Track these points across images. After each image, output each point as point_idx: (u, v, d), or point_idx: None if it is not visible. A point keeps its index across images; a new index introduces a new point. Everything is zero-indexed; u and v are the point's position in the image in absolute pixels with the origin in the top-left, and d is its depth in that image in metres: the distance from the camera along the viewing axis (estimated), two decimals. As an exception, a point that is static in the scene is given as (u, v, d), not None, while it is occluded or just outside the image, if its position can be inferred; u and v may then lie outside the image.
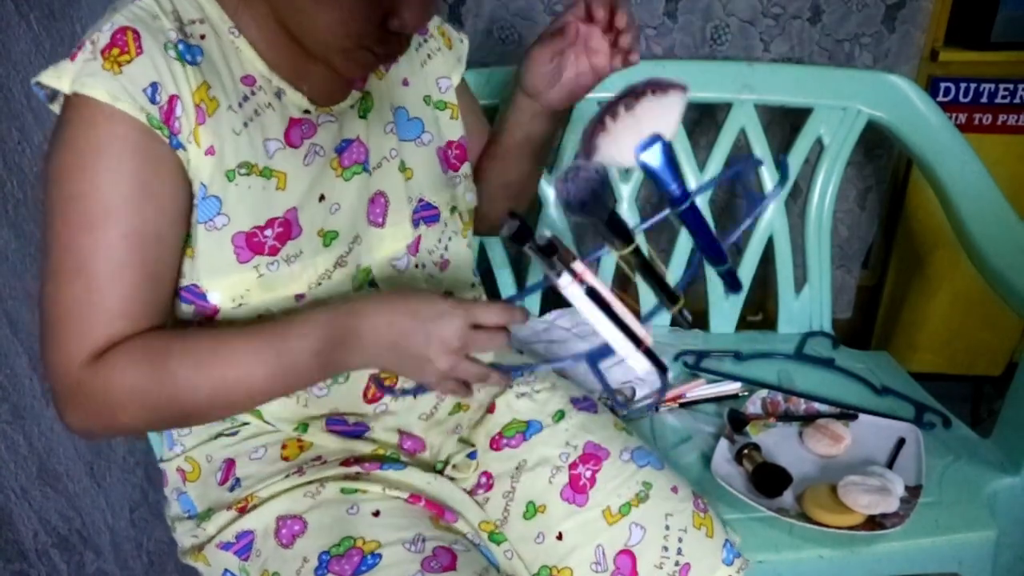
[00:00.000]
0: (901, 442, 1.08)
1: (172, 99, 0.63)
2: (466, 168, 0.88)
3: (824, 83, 1.33)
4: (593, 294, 0.63)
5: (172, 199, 0.65)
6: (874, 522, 0.93)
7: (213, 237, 0.67)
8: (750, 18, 1.46)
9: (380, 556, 0.69)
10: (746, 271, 1.40)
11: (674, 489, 0.83)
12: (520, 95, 0.82)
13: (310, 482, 0.75)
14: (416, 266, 0.83)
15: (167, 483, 0.82)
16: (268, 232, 0.69)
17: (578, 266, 0.62)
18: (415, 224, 0.81)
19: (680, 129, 1.34)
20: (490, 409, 0.91)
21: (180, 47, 0.64)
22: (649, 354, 0.66)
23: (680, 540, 0.78)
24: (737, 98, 1.32)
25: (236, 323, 0.71)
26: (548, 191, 1.33)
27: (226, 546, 0.74)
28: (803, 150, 1.35)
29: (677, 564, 0.77)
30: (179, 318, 0.72)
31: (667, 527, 0.79)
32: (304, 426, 0.78)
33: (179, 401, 0.65)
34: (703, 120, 1.54)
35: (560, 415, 0.89)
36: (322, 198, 0.73)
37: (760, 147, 1.35)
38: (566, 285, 0.62)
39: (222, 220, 0.67)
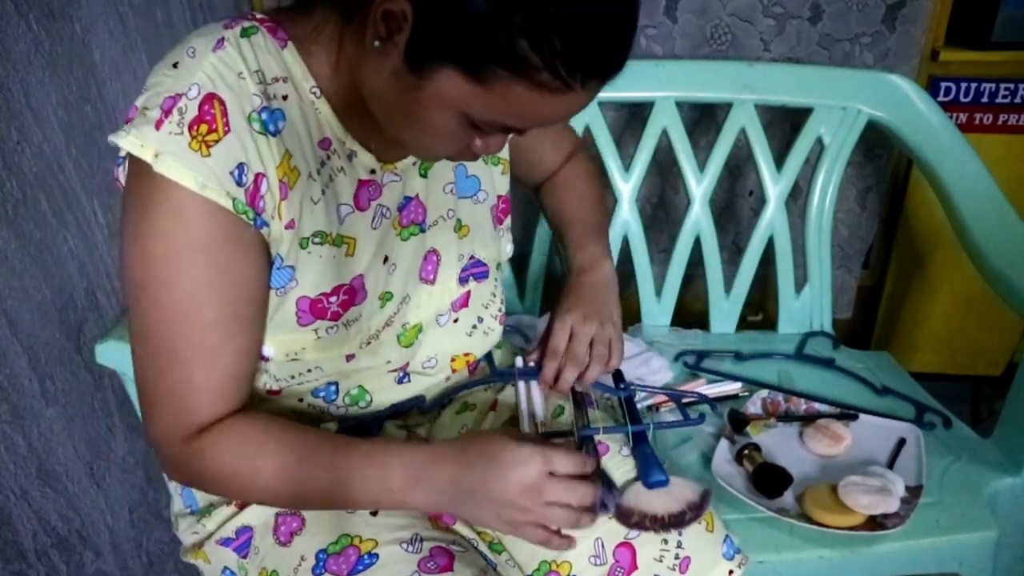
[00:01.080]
0: (901, 442, 1.08)
1: (258, 178, 0.61)
2: (508, 221, 0.90)
3: (824, 83, 1.33)
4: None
5: (256, 278, 0.65)
6: (874, 522, 0.93)
7: (280, 300, 0.67)
8: (750, 18, 1.46)
9: (377, 556, 0.69)
10: (746, 271, 1.40)
11: None
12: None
13: None
14: (474, 326, 0.86)
15: (169, 480, 0.82)
16: (333, 299, 0.69)
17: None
18: (462, 281, 0.83)
19: (681, 129, 1.34)
20: (492, 407, 0.91)
21: (263, 116, 0.62)
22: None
23: (680, 534, 0.78)
24: (737, 98, 1.32)
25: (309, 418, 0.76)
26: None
27: (226, 542, 0.75)
28: (803, 150, 1.35)
29: (677, 557, 0.77)
30: None
31: (665, 540, 0.79)
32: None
33: (259, 494, 0.69)
34: (703, 120, 1.53)
35: (560, 410, 0.89)
36: (385, 259, 0.74)
37: (760, 147, 1.35)
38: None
39: (291, 285, 0.67)
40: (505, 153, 0.88)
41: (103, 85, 0.97)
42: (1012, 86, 1.58)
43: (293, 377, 0.74)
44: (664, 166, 1.56)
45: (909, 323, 1.81)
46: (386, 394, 0.81)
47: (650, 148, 1.34)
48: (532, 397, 0.85)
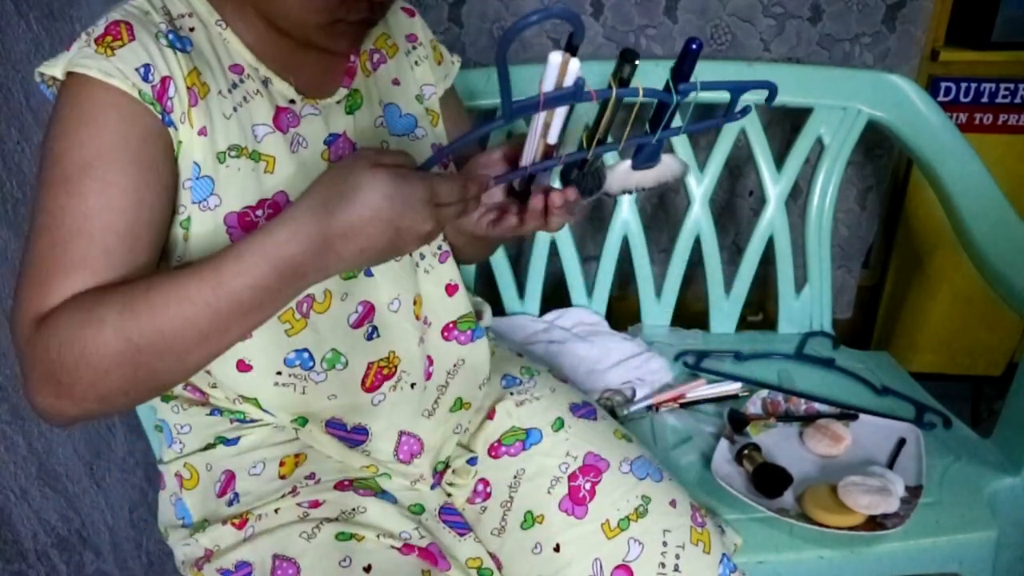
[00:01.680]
0: (901, 442, 1.08)
1: (165, 80, 0.64)
2: (452, 170, 0.87)
3: (824, 83, 1.33)
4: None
5: (159, 168, 0.65)
6: (874, 522, 0.93)
7: (207, 217, 0.68)
8: (750, 18, 1.46)
9: None
10: (746, 271, 1.40)
11: (672, 503, 0.83)
12: None
13: (306, 517, 0.75)
14: (417, 264, 0.83)
15: (164, 486, 0.82)
16: (259, 212, 0.70)
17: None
18: None
19: (680, 129, 1.34)
20: (489, 415, 0.90)
21: (171, 36, 0.66)
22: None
23: (677, 557, 0.78)
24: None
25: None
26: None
27: (225, 573, 0.74)
28: (803, 150, 1.35)
29: None
30: None
31: (665, 543, 0.79)
32: (303, 420, 0.78)
33: (114, 352, 0.57)
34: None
35: (560, 423, 0.88)
36: None
37: (760, 147, 1.35)
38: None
39: (214, 200, 0.68)
40: (436, 106, 0.88)
41: (103, 85, 0.97)
42: (1012, 86, 1.58)
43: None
44: (664, 166, 1.56)
45: (909, 323, 1.81)
46: (360, 354, 0.78)
47: (650, 148, 1.34)
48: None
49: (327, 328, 0.76)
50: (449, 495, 0.87)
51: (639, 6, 1.45)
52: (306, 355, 0.75)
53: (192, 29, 0.69)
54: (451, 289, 0.87)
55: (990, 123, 1.62)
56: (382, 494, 0.80)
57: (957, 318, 1.77)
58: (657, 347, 1.33)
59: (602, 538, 0.80)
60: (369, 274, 0.78)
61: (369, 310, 0.79)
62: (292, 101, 0.74)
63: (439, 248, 0.86)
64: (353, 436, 0.80)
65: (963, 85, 1.59)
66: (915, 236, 1.73)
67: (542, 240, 1.39)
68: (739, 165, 1.60)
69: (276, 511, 0.75)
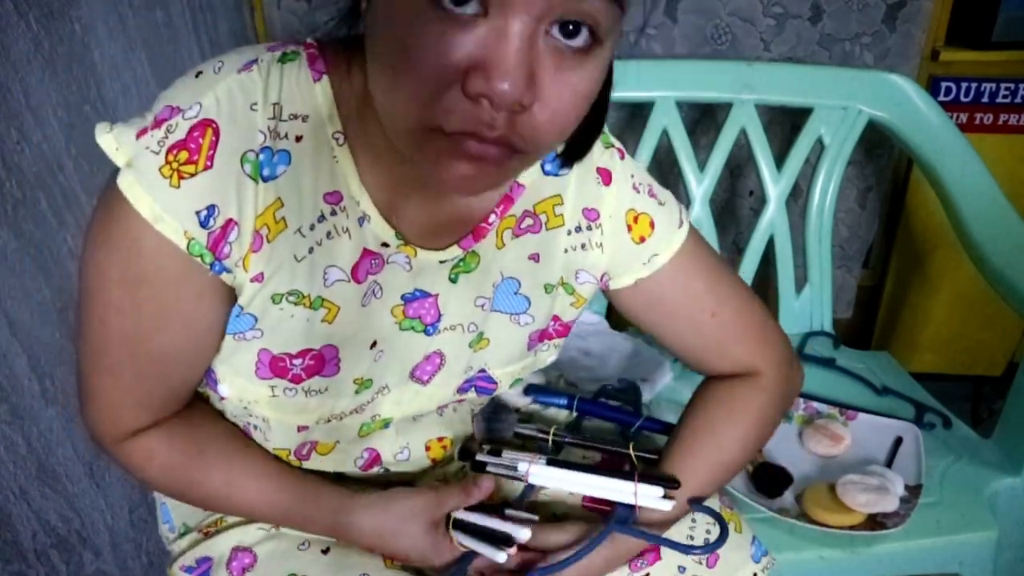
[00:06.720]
0: (899, 441, 1.08)
1: (228, 223, 0.54)
2: (560, 341, 0.75)
3: (824, 83, 1.33)
4: (555, 463, 0.73)
5: (209, 323, 0.59)
6: (875, 522, 0.93)
7: (239, 344, 0.60)
8: (750, 18, 1.46)
9: None
10: (746, 271, 1.40)
11: None
12: None
13: (270, 528, 0.74)
14: (455, 410, 0.79)
15: (152, 491, 0.83)
16: (297, 361, 0.61)
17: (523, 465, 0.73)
18: (461, 391, 0.71)
19: (681, 129, 1.34)
20: None
21: (262, 157, 0.54)
22: (646, 477, 0.71)
23: (708, 532, 0.75)
24: (737, 98, 1.32)
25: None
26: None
27: (188, 569, 0.74)
28: (803, 150, 1.35)
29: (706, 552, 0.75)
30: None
31: (693, 519, 0.76)
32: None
33: (203, 500, 0.70)
34: (703, 120, 1.54)
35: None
36: (373, 345, 0.64)
37: (760, 147, 1.35)
38: (532, 472, 0.72)
39: (253, 335, 0.60)
40: (586, 291, 0.72)
41: (103, 85, 0.97)
42: (1012, 86, 1.58)
43: (249, 425, 0.70)
44: (664, 166, 1.56)
45: (909, 323, 1.81)
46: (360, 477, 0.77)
47: (650, 148, 1.34)
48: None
49: (331, 466, 0.74)
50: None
51: (639, 6, 1.45)
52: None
53: (299, 139, 0.55)
54: None
55: (990, 123, 1.62)
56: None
57: (957, 318, 1.77)
58: (657, 347, 1.33)
59: None
60: (386, 427, 0.74)
61: (374, 459, 0.74)
62: (385, 244, 0.61)
63: (481, 404, 0.81)
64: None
65: (963, 85, 1.58)
66: (915, 236, 1.73)
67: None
68: (739, 165, 1.60)
69: (244, 521, 0.75)
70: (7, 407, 0.86)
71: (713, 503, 0.77)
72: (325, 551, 0.72)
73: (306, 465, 0.72)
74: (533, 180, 0.66)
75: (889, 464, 1.04)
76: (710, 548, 0.72)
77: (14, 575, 0.88)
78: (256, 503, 0.68)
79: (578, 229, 0.68)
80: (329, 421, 0.66)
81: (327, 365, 0.62)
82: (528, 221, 0.66)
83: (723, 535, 0.71)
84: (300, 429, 0.67)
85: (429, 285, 0.64)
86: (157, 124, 0.53)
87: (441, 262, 0.64)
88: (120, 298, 0.57)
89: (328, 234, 0.58)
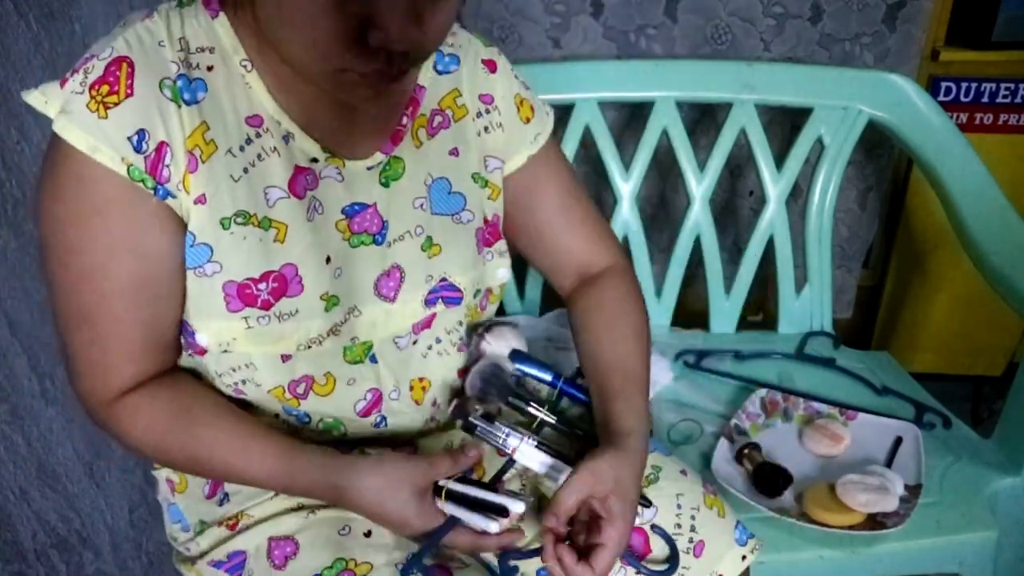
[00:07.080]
0: (899, 441, 1.08)
1: (161, 146, 0.60)
2: (500, 245, 0.81)
3: (824, 83, 1.33)
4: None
5: (165, 251, 0.63)
6: (875, 522, 0.93)
7: (203, 282, 0.64)
8: (750, 18, 1.46)
9: None
10: (746, 271, 1.40)
11: (683, 472, 0.81)
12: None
13: (300, 507, 0.74)
14: (429, 347, 0.78)
15: (159, 492, 0.82)
16: (262, 285, 0.65)
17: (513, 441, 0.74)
18: (428, 303, 0.75)
19: (681, 129, 1.34)
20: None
21: (179, 83, 0.60)
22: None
23: (693, 518, 0.77)
24: (737, 98, 1.32)
25: (246, 404, 0.72)
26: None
27: (217, 564, 0.73)
28: (803, 150, 1.35)
29: (691, 541, 0.76)
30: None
31: (679, 506, 0.78)
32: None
33: (190, 461, 0.70)
34: (703, 120, 1.54)
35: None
36: (329, 260, 0.68)
37: (760, 147, 1.35)
38: (520, 450, 0.74)
39: (213, 267, 0.64)
40: (498, 180, 0.80)
41: (103, 85, 0.97)
42: (1012, 86, 1.58)
43: (235, 370, 0.70)
44: (664, 166, 1.56)
45: (909, 323, 1.81)
46: (360, 431, 0.78)
47: (650, 148, 1.34)
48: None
49: (332, 408, 0.74)
50: None
51: (639, 6, 1.45)
52: (303, 413, 0.74)
53: (211, 68, 0.62)
54: (462, 373, 0.83)
55: (990, 123, 1.62)
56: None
57: (957, 318, 1.77)
58: (657, 347, 1.33)
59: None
60: (375, 360, 0.74)
61: (376, 400, 0.76)
62: (314, 160, 0.67)
63: (460, 339, 0.81)
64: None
65: (963, 85, 1.59)
66: (915, 236, 1.73)
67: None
68: (739, 165, 1.60)
69: (269, 507, 0.75)
70: (7, 407, 0.86)
71: (695, 498, 0.78)
72: (367, 534, 0.72)
73: (305, 406, 0.73)
74: (431, 80, 0.75)
75: (889, 464, 1.04)
76: (668, 572, 0.74)
77: (14, 575, 0.88)
78: (245, 465, 0.68)
79: (479, 114, 0.77)
80: (310, 347, 0.69)
81: (290, 285, 0.66)
82: (438, 119, 0.75)
83: (674, 561, 0.74)
84: (285, 359, 0.70)
85: (365, 195, 0.70)
86: (75, 71, 0.59)
87: (368, 168, 0.70)
88: (76, 237, 0.61)
89: (259, 156, 0.64)
